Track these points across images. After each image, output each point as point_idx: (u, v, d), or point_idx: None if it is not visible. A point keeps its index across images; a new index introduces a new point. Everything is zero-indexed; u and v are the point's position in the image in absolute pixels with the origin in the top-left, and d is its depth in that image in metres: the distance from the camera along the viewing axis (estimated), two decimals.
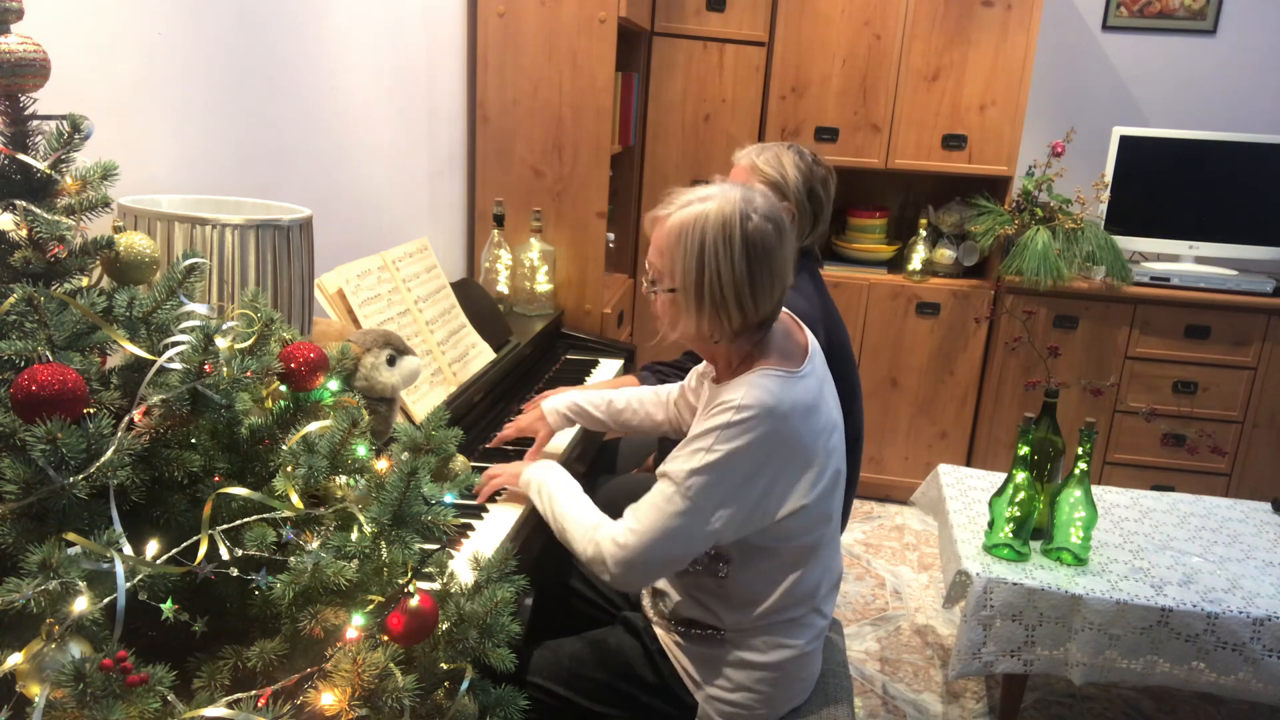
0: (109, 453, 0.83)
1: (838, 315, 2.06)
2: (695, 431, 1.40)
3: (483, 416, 2.09)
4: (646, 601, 1.63)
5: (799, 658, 1.51)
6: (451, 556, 1.16)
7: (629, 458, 2.49)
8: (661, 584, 1.59)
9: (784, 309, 1.81)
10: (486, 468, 1.87)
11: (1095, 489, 2.47)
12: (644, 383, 2.17)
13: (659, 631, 1.56)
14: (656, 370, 2.19)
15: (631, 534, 1.39)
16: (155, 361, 0.91)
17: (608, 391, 1.88)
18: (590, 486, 2.06)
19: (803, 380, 1.42)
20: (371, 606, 0.91)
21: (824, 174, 2.01)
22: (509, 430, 1.93)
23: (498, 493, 1.76)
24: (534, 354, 2.59)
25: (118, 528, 0.83)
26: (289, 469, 0.96)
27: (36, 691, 0.74)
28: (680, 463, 1.39)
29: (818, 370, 1.49)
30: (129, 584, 0.79)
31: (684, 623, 1.53)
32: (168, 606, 0.81)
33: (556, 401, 1.85)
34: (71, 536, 0.80)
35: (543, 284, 2.87)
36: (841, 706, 1.60)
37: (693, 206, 1.38)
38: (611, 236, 2.95)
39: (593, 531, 1.44)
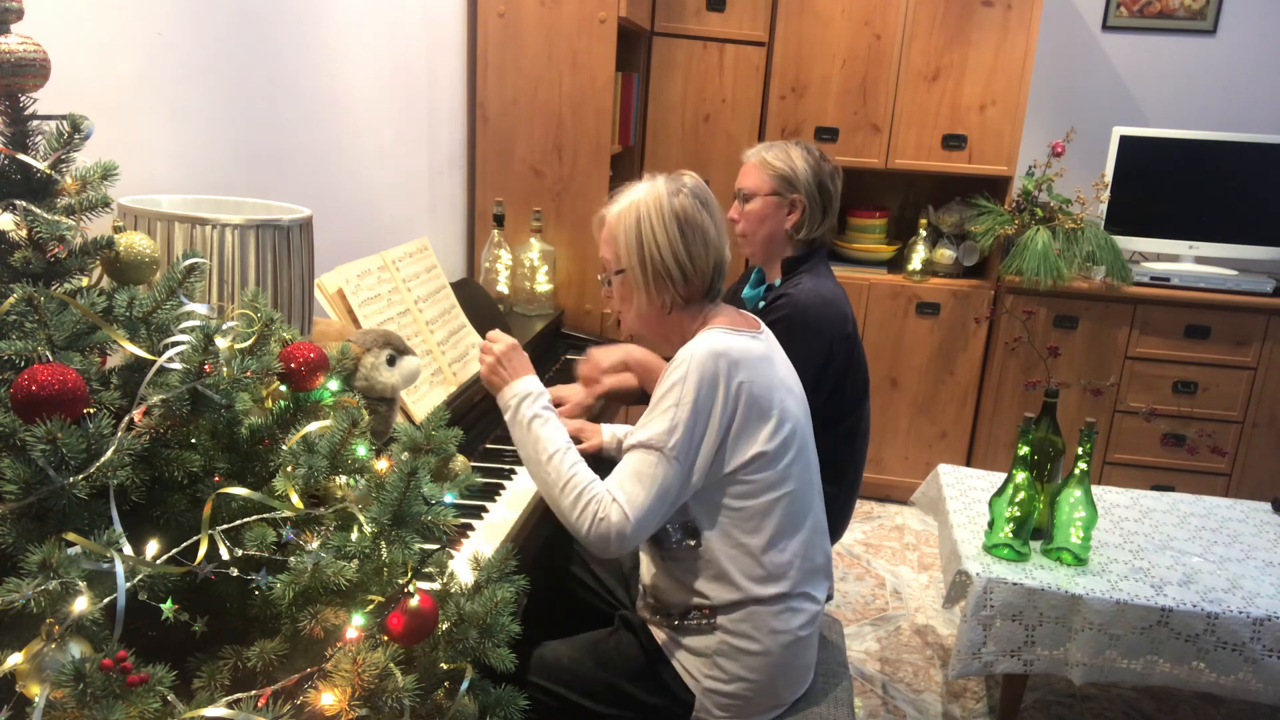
0: (109, 453, 0.83)
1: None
2: (657, 395, 1.46)
3: (483, 416, 2.09)
4: (639, 603, 1.64)
5: (793, 644, 1.51)
6: (451, 556, 1.16)
7: None
8: (646, 578, 1.61)
9: (820, 289, 1.98)
10: (487, 467, 1.88)
11: (1095, 489, 2.47)
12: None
13: (654, 630, 1.57)
14: None
15: (631, 507, 1.40)
16: (155, 361, 0.91)
17: None
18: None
19: (754, 340, 1.52)
20: (371, 606, 0.91)
21: (831, 169, 2.12)
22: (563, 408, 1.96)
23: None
24: (534, 354, 2.58)
25: (118, 528, 0.83)
26: (289, 469, 0.96)
27: (36, 691, 0.73)
28: (654, 427, 1.43)
29: (770, 344, 1.58)
30: (129, 584, 0.79)
31: (676, 614, 1.54)
32: (168, 606, 0.81)
33: (616, 429, 1.94)
34: (71, 536, 0.80)
35: (543, 284, 2.87)
36: (841, 706, 1.60)
37: (628, 198, 1.55)
38: None
39: (590, 504, 1.41)
